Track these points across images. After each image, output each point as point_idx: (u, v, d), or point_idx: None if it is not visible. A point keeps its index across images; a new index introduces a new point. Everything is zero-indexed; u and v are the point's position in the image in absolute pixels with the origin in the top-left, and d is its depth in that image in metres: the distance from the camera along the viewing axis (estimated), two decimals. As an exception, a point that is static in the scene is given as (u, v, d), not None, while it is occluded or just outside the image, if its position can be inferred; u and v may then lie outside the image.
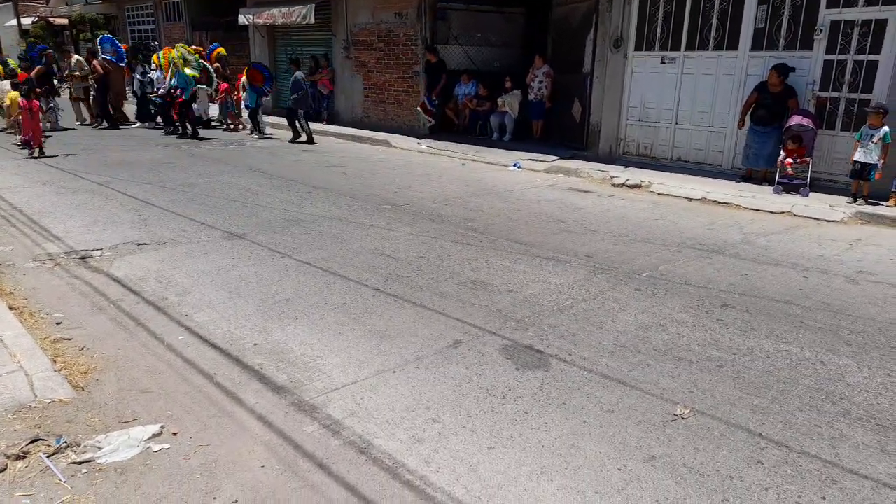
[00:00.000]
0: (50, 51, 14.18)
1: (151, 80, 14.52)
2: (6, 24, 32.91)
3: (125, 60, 15.15)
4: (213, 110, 15.47)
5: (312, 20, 14.61)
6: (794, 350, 3.88)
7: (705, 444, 2.91)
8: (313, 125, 14.55)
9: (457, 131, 13.41)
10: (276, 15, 15.54)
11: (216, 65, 13.90)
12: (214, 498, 2.52)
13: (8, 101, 11.85)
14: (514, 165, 10.38)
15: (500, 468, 2.73)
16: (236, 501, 2.51)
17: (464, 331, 4.10)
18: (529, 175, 9.82)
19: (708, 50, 9.23)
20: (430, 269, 5.26)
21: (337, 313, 4.37)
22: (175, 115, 13.61)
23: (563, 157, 10.58)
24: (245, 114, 14.52)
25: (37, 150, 10.50)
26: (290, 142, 13.12)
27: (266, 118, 14.49)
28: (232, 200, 7.59)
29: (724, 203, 7.78)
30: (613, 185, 8.95)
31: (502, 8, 13.73)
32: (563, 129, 11.89)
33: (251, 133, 13.99)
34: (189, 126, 13.37)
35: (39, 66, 12.83)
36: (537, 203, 7.84)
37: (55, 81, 13.84)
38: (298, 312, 4.38)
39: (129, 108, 15.67)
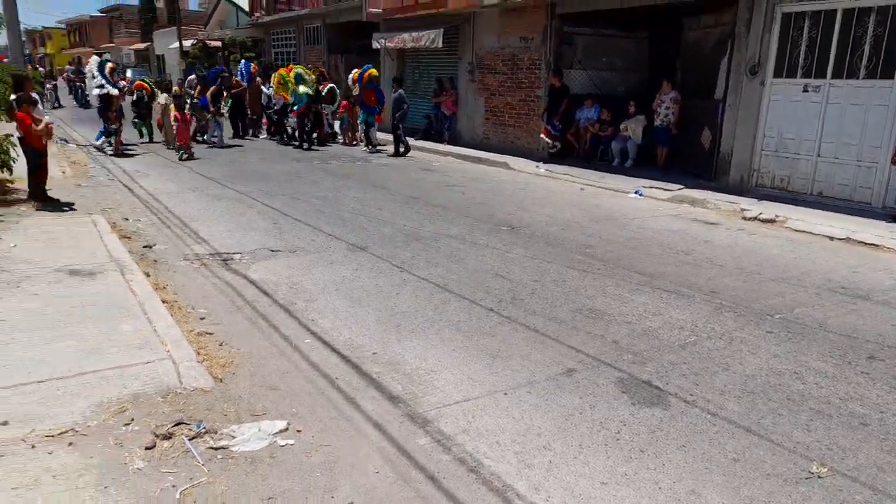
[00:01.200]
0: (226, 73, 15.32)
1: (269, 97, 16.00)
2: (170, 47, 36.75)
3: (251, 81, 16.46)
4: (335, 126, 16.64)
5: (440, 44, 15.10)
6: (955, 414, 3.47)
7: (844, 508, 2.67)
8: (435, 145, 15.11)
9: (577, 156, 13.25)
10: (406, 39, 16.21)
11: (365, 88, 14.66)
12: (332, 497, 2.65)
13: (170, 111, 13.57)
14: (636, 193, 10.09)
15: (614, 505, 2.66)
16: (352, 502, 2.62)
17: (577, 359, 4.04)
18: (651, 203, 9.52)
19: (858, 78, 8.53)
20: (545, 294, 5.23)
21: (451, 330, 4.45)
22: (296, 128, 15.15)
23: (688, 186, 10.15)
24: (360, 129, 15.64)
25: (186, 153, 12.41)
26: (391, 155, 14.17)
27: (379, 134, 15.45)
28: (357, 214, 7.97)
29: (873, 244, 7.10)
30: (744, 218, 8.46)
31: (630, 32, 13.48)
32: (689, 157, 11.42)
33: (365, 147, 15.07)
34: (306, 139, 14.90)
35: (214, 87, 14.20)
36: (659, 233, 7.57)
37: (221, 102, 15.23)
38: (415, 326, 4.51)
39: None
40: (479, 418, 3.31)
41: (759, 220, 8.30)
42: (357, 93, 14.97)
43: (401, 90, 14.20)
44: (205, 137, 14.41)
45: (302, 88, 14.37)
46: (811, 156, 9.14)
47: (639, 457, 3.01)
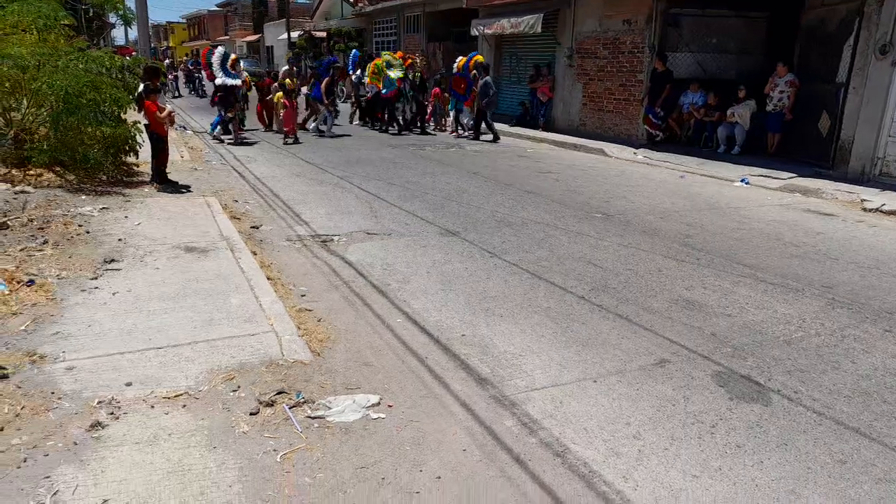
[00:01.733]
0: (339, 64, 15.69)
1: (363, 84, 16.49)
2: (279, 38, 38.50)
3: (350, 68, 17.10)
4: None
5: (539, 29, 14.90)
6: None
7: (967, 522, 2.45)
8: (530, 132, 14.98)
9: (678, 142, 12.71)
10: (504, 25, 16.12)
11: (473, 72, 14.77)
12: (421, 470, 2.73)
13: (276, 99, 14.28)
14: (742, 181, 9.56)
15: (706, 500, 2.58)
16: (439, 478, 2.69)
17: (672, 350, 3.91)
18: (759, 192, 8.98)
19: None
20: (639, 283, 5.09)
21: (540, 316, 4.44)
22: (379, 114, 15.74)
23: (801, 175, 9.49)
24: (451, 116, 15.95)
25: (291, 139, 13.26)
26: (472, 139, 14.55)
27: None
28: (449, 199, 8.07)
29: None
30: (864, 209, 7.81)
31: (743, 12, 12.68)
32: (803, 144, 10.65)
33: (452, 133, 15.48)
34: (396, 124, 15.39)
35: (327, 78, 14.43)
36: (766, 223, 7.14)
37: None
38: (504, 310, 4.53)
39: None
40: (567, 404, 3.29)
41: (882, 211, 7.64)
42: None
43: (487, 77, 14.27)
44: (313, 126, 14.85)
45: (393, 73, 14.78)
46: (947, 142, 8.28)
47: (735, 452, 2.89)
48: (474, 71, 14.55)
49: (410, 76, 15.24)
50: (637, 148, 12.47)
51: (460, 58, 15.35)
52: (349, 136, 14.87)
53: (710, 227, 6.90)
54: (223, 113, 13.00)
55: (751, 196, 8.73)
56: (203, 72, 27.67)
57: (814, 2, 10.72)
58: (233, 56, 13.14)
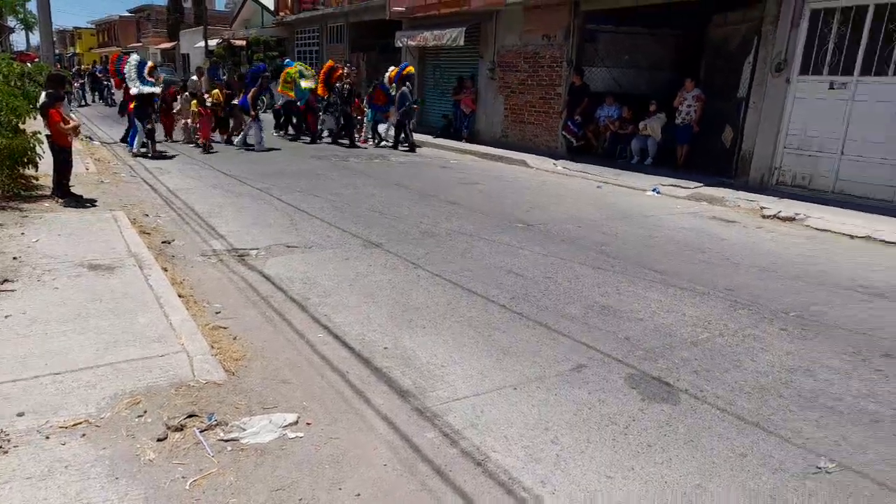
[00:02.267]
0: (267, 74, 14.87)
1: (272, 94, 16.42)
2: (196, 46, 37.26)
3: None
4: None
5: (462, 42, 15.12)
6: (974, 415, 3.40)
7: (852, 503, 2.64)
8: (453, 143, 15.14)
9: (595, 154, 13.19)
10: (428, 37, 16.26)
11: (407, 83, 14.81)
12: (340, 489, 2.68)
13: (192, 107, 13.77)
14: (654, 191, 10.01)
15: (619, 499, 2.66)
16: (359, 495, 2.65)
17: (588, 355, 4.03)
18: (669, 201, 9.43)
19: (888, 75, 8.36)
20: (558, 291, 5.22)
21: (463, 326, 4.47)
22: (304, 123, 15.76)
23: (707, 185, 10.04)
24: (367, 127, 16.09)
25: (207, 148, 13.01)
26: (392, 147, 14.89)
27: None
28: (373, 211, 8.02)
29: (894, 243, 6.96)
30: (763, 216, 8.34)
31: (654, 30, 13.36)
32: (709, 155, 11.28)
33: (364, 142, 15.66)
34: (311, 134, 15.34)
35: (254, 88, 13.80)
36: (676, 231, 7.50)
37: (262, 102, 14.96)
38: (426, 321, 4.53)
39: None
40: (488, 413, 3.32)
41: (779, 218, 8.18)
42: (392, 92, 15.16)
43: (405, 88, 14.59)
44: (239, 139, 14.12)
45: (304, 84, 14.75)
46: (835, 154, 8.99)
47: (646, 451, 3.00)
48: (394, 83, 14.68)
49: (338, 87, 15.03)
50: (557, 159, 12.83)
51: (392, 68, 15.45)
52: (272, 148, 14.54)
53: (624, 236, 7.17)
54: (142, 125, 12.04)
55: (661, 205, 9.15)
56: (112, 79, 26.42)
57: (718, 20, 11.42)
58: (150, 63, 12.53)
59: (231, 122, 14.85)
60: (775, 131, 9.63)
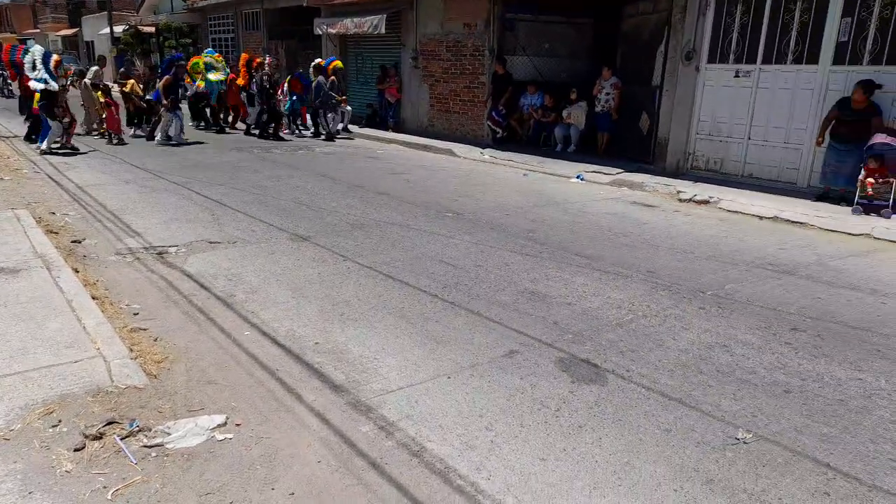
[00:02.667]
0: (182, 62, 13.92)
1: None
2: (100, 33, 35.10)
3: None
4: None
5: (383, 30, 14.94)
6: (869, 379, 3.69)
7: (768, 471, 2.81)
8: (380, 133, 15.02)
9: (520, 142, 13.39)
10: (348, 25, 15.97)
11: (332, 77, 14.48)
12: (273, 489, 2.61)
13: (98, 97, 12.88)
14: (578, 177, 10.28)
15: (552, 480, 2.72)
16: (293, 493, 2.59)
17: (519, 341, 4.10)
18: (593, 188, 9.71)
19: (786, 63, 8.90)
20: (489, 278, 5.28)
21: (395, 317, 4.45)
22: (222, 113, 15.63)
23: (627, 171, 10.41)
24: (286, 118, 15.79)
25: (116, 139, 12.61)
26: (312, 136, 14.95)
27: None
28: (299, 204, 7.84)
29: (799, 223, 7.46)
30: (680, 200, 8.74)
31: (571, 18, 13.65)
32: (629, 142, 11.69)
33: (292, 133, 15.44)
34: (260, 129, 14.66)
35: (167, 76, 12.93)
36: (599, 216, 7.74)
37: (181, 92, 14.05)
38: (358, 314, 4.48)
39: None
40: (423, 403, 3.32)
41: (694, 201, 8.59)
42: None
43: (321, 77, 14.46)
44: (159, 135, 13.04)
45: (212, 76, 14.46)
46: (742, 139, 9.50)
47: (577, 433, 3.08)
48: (332, 76, 14.57)
49: (257, 78, 14.52)
50: (483, 148, 12.95)
51: (318, 59, 15.30)
52: (195, 141, 13.92)
53: (550, 222, 7.33)
54: (57, 121, 11.13)
55: (585, 191, 9.41)
56: (6, 70, 24.49)
57: (631, 10, 11.79)
58: (55, 56, 11.59)
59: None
60: (688, 118, 10.08)
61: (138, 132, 13.83)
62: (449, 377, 3.61)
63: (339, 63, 15.15)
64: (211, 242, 6.11)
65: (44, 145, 11.22)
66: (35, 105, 11.53)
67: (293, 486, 2.64)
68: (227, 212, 7.31)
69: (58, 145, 11.38)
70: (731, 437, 3.07)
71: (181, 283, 5.00)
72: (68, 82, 12.15)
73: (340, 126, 15.26)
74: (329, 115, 14.68)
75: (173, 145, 12.70)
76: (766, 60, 9.10)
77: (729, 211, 8.11)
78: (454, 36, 14.03)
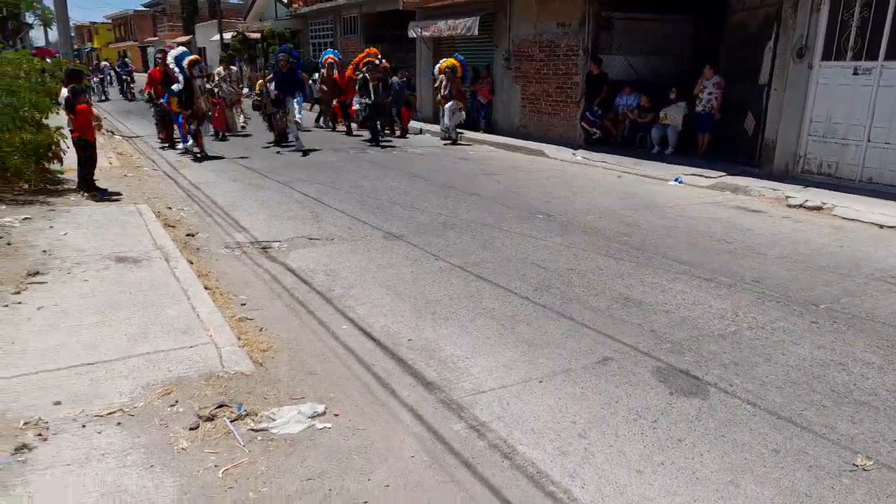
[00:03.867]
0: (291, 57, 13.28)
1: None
2: (211, 39, 37.38)
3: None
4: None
5: (476, 32, 15.00)
6: None
7: (892, 502, 2.59)
8: (471, 133, 15.03)
9: (614, 143, 13.06)
10: (442, 28, 16.16)
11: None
12: (368, 479, 2.69)
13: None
14: (675, 180, 9.90)
15: (649, 494, 2.64)
16: (388, 486, 2.66)
17: (614, 348, 4.00)
18: (691, 191, 9.32)
19: (914, 60, 8.18)
20: (581, 282, 5.19)
21: (486, 318, 4.46)
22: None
23: (730, 174, 9.90)
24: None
25: (221, 135, 13.54)
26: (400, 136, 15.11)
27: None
28: (393, 203, 8.02)
29: (925, 233, 6.83)
30: (789, 205, 8.22)
31: (671, 15, 13.16)
32: (731, 143, 11.12)
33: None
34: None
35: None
36: (699, 221, 7.42)
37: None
38: (449, 313, 4.53)
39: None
40: (514, 405, 3.32)
41: (805, 207, 8.06)
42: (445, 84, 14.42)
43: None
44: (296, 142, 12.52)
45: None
46: (861, 141, 8.81)
47: (676, 446, 2.97)
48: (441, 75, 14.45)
49: (360, 79, 14.14)
50: (576, 149, 12.73)
51: (443, 60, 14.72)
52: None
53: (646, 226, 7.11)
54: (190, 123, 11.06)
55: (684, 194, 9.05)
56: (129, 76, 26.51)
57: (736, 6, 11.22)
58: (190, 57, 11.11)
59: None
60: (799, 118, 9.46)
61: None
62: (541, 381, 3.58)
63: (451, 61, 14.44)
64: (311, 239, 6.37)
65: (186, 145, 11.48)
66: (174, 107, 11.15)
67: (388, 479, 2.70)
68: (326, 209, 7.59)
69: (197, 149, 11.24)
70: (849, 462, 2.85)
71: (284, 276, 5.24)
72: (207, 83, 11.54)
73: (450, 124, 14.49)
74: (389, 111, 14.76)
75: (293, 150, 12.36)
76: (890, 57, 8.38)
77: (844, 218, 7.55)
78: (548, 36, 13.87)
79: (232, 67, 15.46)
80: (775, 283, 5.22)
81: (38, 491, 2.47)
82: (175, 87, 10.77)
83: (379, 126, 14.36)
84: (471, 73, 15.35)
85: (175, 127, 12.01)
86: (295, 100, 12.38)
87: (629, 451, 2.94)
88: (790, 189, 8.74)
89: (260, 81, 14.22)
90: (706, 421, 3.18)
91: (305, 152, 12.12)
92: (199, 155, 11.23)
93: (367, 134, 14.39)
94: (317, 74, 17.22)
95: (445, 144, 14.15)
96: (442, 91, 14.37)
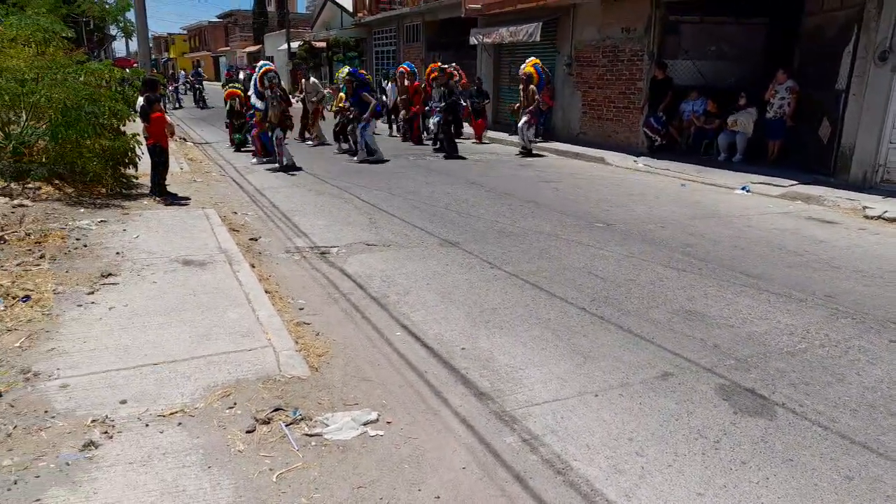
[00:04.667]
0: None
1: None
2: (279, 48, 38.62)
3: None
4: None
5: (538, 38, 14.91)
6: None
7: (979, 541, 2.39)
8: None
9: (678, 151, 12.68)
10: (503, 34, 16.14)
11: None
12: (419, 490, 2.68)
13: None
14: (743, 189, 9.52)
15: (709, 518, 2.52)
16: (438, 497, 2.64)
17: (674, 363, 3.86)
18: (760, 200, 8.94)
19: None
20: (641, 294, 5.05)
21: (541, 328, 4.39)
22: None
23: (802, 183, 9.45)
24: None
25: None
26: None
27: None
28: (449, 210, 8.03)
29: None
30: (866, 216, 7.77)
31: (743, 19, 12.69)
32: (804, 151, 10.61)
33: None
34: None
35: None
36: (768, 232, 7.10)
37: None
38: (504, 323, 4.48)
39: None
40: (569, 419, 3.24)
41: (884, 219, 7.59)
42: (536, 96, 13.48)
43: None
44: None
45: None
46: (948, 148, 8.24)
47: (740, 468, 2.84)
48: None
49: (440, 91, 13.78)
50: (637, 156, 12.44)
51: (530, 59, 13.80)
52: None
53: (710, 236, 6.85)
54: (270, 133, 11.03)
55: (752, 204, 8.68)
56: (201, 84, 27.67)
57: (813, 8, 10.72)
58: (269, 66, 11.03)
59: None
60: (879, 125, 8.93)
61: (343, 146, 13.53)
62: (596, 395, 3.49)
63: (536, 60, 13.55)
64: (368, 244, 6.45)
65: (253, 162, 11.73)
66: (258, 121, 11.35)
67: (438, 490, 2.69)
68: (383, 216, 7.68)
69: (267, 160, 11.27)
70: (932, 494, 2.65)
71: (341, 281, 5.32)
72: (272, 95, 10.97)
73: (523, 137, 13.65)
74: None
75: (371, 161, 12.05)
76: None
77: (929, 231, 7.07)
78: (611, 41, 13.64)
79: (311, 79, 15.31)
80: (850, 299, 4.93)
81: (102, 488, 2.58)
82: (257, 103, 10.93)
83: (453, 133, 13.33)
84: (546, 77, 13.81)
85: (259, 141, 11.81)
86: (359, 128, 12.08)
87: (689, 471, 2.82)
88: (868, 199, 8.26)
89: (341, 95, 13.53)
90: (773, 443, 3.02)
91: (375, 161, 12.02)
92: (282, 165, 10.98)
93: (429, 144, 14.41)
94: (387, 84, 17.42)
95: (517, 154, 13.50)
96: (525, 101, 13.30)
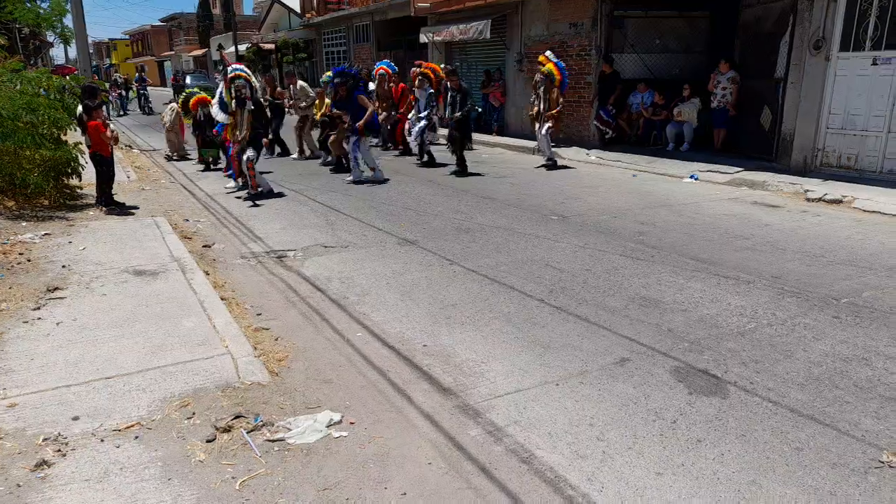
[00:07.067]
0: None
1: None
2: (226, 51, 37.82)
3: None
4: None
5: (488, 35, 15.00)
6: None
7: (919, 501, 2.53)
8: (484, 137, 14.99)
9: (629, 142, 12.96)
10: (454, 32, 16.19)
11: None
12: (385, 488, 2.68)
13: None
14: (691, 177, 9.79)
15: (669, 497, 2.60)
16: (405, 494, 2.65)
17: (631, 349, 3.96)
18: (708, 187, 9.21)
19: (934, 47, 8.01)
20: (597, 283, 5.15)
21: (501, 321, 4.44)
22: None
23: (747, 169, 9.78)
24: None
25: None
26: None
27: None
28: (406, 209, 8.02)
29: (951, 223, 6.68)
30: (808, 199, 8.09)
31: (684, 12, 13.05)
32: (748, 139, 10.98)
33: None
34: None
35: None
36: (716, 217, 7.32)
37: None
38: (464, 318, 4.51)
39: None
40: (531, 409, 3.29)
41: (825, 201, 7.92)
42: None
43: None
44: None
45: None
46: (881, 132, 8.65)
47: (696, 447, 2.93)
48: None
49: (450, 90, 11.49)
50: (589, 149, 12.66)
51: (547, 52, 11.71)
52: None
53: (662, 224, 7.03)
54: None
55: (700, 191, 8.94)
56: (146, 90, 26.92)
57: (751, 0, 11.09)
58: (241, 73, 8.78)
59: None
60: (817, 111, 9.32)
61: (329, 159, 11.68)
62: (557, 384, 3.54)
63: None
64: (325, 246, 6.40)
65: (230, 186, 9.58)
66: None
67: (405, 487, 2.69)
68: (340, 217, 7.62)
69: (244, 192, 8.94)
70: (874, 459, 2.79)
71: (299, 285, 5.27)
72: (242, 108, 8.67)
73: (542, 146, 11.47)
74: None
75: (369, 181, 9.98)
76: (911, 45, 8.23)
77: (865, 211, 7.41)
78: (559, 37, 13.82)
79: (300, 83, 13.19)
80: (795, 279, 5.14)
81: (58, 505, 2.50)
82: (219, 115, 8.75)
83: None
84: (567, 79, 11.42)
85: (235, 161, 9.05)
86: (352, 142, 9.93)
87: (648, 452, 2.90)
88: (809, 183, 8.61)
89: (327, 102, 11.23)
90: (726, 420, 3.13)
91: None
92: (248, 195, 8.80)
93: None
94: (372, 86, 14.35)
95: (539, 167, 11.34)
96: (540, 104, 11.05)
